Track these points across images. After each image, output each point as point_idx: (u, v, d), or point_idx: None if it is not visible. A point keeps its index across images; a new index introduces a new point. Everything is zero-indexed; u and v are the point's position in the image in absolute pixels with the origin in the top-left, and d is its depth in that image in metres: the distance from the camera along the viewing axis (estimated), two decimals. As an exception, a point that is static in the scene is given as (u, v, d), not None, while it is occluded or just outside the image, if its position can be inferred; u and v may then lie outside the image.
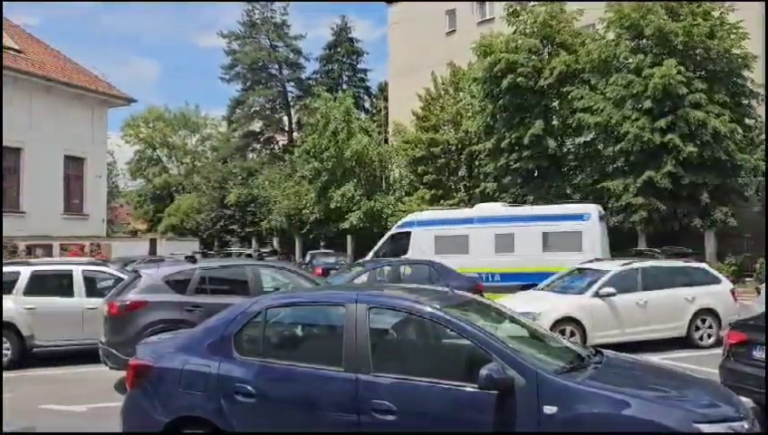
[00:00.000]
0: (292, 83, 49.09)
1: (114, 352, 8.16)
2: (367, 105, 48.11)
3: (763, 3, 20.91)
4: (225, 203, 40.84)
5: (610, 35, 22.80)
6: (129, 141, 52.22)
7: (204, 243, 37.34)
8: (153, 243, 27.34)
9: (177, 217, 43.29)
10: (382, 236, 33.81)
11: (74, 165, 24.34)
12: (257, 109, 48.58)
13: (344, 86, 46.18)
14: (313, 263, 25.55)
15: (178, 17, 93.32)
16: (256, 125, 49.10)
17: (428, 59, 33.22)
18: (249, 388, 4.20)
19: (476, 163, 28.74)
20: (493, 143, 25.30)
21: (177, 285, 8.53)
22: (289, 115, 49.16)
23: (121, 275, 10.65)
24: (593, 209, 16.32)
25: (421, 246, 16.87)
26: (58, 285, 10.37)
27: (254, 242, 40.83)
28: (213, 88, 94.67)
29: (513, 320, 4.82)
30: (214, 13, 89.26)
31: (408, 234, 17.29)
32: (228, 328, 4.48)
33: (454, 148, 29.53)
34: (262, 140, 49.55)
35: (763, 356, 5.90)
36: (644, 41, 21.89)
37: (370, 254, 18.01)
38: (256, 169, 43.64)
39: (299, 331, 4.85)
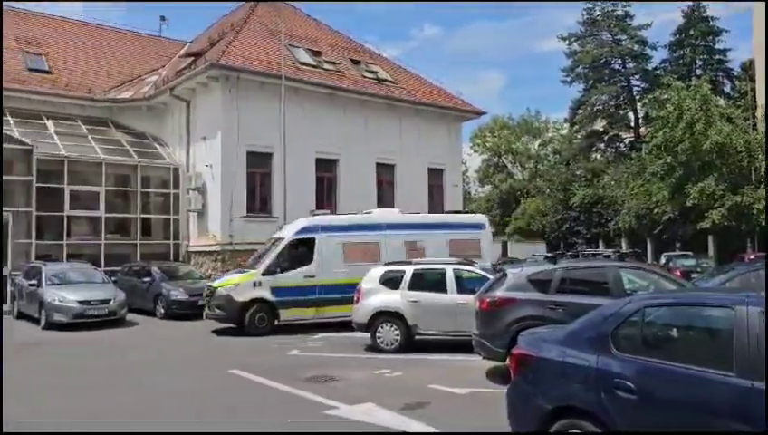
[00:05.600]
0: (638, 76, 46.41)
1: (485, 343, 8.99)
2: (727, 89, 42.68)
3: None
4: (570, 205, 40.73)
5: None
6: (477, 151, 56.01)
7: (550, 245, 37.86)
8: (504, 245, 28.93)
9: (523, 221, 44.75)
10: (750, 235, 29.84)
11: (435, 176, 27.23)
12: (600, 107, 47.22)
13: (698, 72, 41.79)
14: (670, 265, 23.85)
15: (518, 27, 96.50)
16: (599, 124, 47.75)
17: (810, 24, 27.92)
18: (629, 384, 4.28)
19: None
20: None
21: (540, 284, 8.97)
22: (635, 110, 46.58)
23: (486, 274, 11.64)
24: (486, 219, 17.60)
25: (327, 253, 14.87)
26: (434, 281, 11.70)
27: (600, 244, 39.84)
28: (553, 92, 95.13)
29: None
30: (550, 18, 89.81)
31: (312, 241, 14.96)
32: (605, 325, 4.65)
33: None
34: (606, 138, 47.95)
35: None
36: None
37: (263, 265, 14.61)
38: (601, 169, 42.50)
39: (678, 331, 4.74)
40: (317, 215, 16.20)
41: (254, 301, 14.10)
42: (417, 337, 11.62)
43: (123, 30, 30.44)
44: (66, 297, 15.03)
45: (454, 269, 11.78)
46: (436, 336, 11.59)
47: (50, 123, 22.32)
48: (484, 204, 54.49)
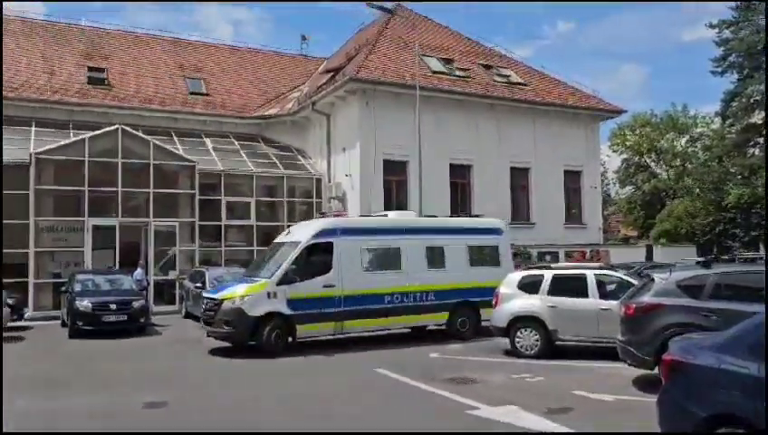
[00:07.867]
0: (802, 61, 41.93)
1: (632, 350, 8.75)
2: None
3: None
4: (724, 205, 37.66)
5: None
6: (616, 150, 53.34)
7: (701, 249, 35.23)
8: (649, 249, 27.46)
9: (669, 223, 41.98)
10: None
11: (572, 178, 26.48)
12: (758, 98, 43.08)
13: None
14: None
15: (659, 17, 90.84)
16: (757, 117, 43.59)
17: None
18: (793, 394, 4.14)
19: None
20: None
21: (691, 289, 8.58)
22: (800, 99, 42.14)
23: (629, 279, 11.28)
24: (503, 224, 16.31)
25: (348, 260, 12.97)
26: (574, 286, 11.48)
27: (761, 247, 36.42)
28: (701, 84, 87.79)
29: None
30: (695, 5, 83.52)
31: (330, 245, 12.89)
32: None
33: None
34: (765, 132, 43.75)
35: None
36: None
37: (277, 273, 12.56)
38: (759, 165, 38.89)
39: None
40: (328, 217, 14.98)
41: (270, 315, 12.20)
42: (557, 343, 11.52)
43: (268, 51, 32.73)
44: (226, 299, 16.46)
45: (595, 274, 11.54)
46: (578, 342, 11.41)
47: (208, 141, 24.53)
48: (625, 205, 51.85)
